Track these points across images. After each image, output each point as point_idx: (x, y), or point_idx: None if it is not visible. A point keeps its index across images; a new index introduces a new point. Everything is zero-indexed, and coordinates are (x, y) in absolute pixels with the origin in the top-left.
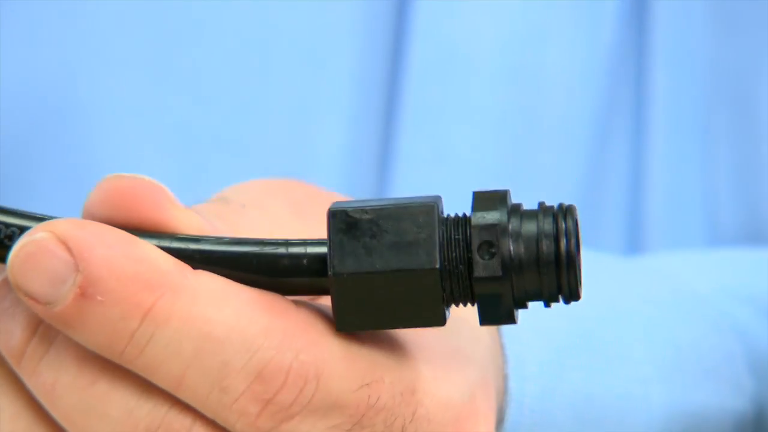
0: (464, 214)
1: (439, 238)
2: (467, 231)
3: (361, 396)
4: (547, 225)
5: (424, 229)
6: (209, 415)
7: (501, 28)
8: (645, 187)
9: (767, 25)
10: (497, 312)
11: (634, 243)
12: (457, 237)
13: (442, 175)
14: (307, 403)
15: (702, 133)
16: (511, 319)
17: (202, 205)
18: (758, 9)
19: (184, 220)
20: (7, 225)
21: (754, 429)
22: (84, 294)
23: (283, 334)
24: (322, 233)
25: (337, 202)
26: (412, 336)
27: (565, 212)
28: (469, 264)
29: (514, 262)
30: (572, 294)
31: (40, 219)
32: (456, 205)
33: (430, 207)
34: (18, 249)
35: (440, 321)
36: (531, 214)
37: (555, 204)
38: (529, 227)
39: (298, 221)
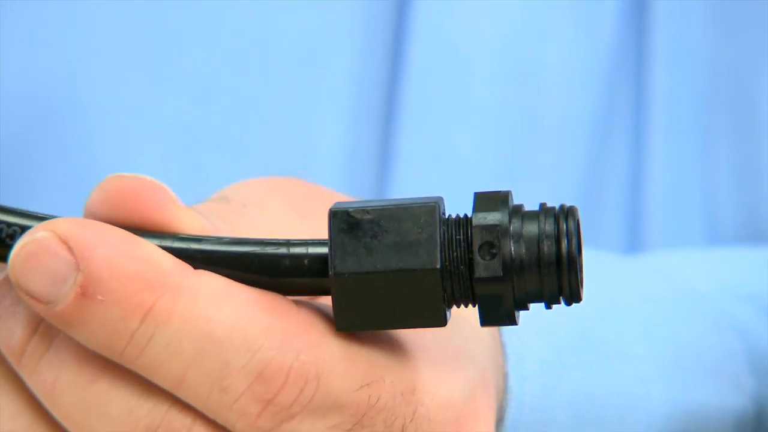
0: (465, 215)
1: (440, 238)
2: (468, 231)
3: (361, 396)
4: (549, 226)
5: (425, 229)
6: (209, 414)
7: (501, 27)
8: (645, 186)
9: (767, 25)
10: (498, 313)
11: (633, 242)
12: (458, 237)
13: (442, 175)
14: (307, 403)
15: (702, 133)
16: (511, 320)
17: (203, 204)
18: (758, 9)
19: (186, 221)
20: (9, 224)
21: (754, 427)
22: (85, 293)
23: (283, 335)
24: (323, 232)
25: (338, 203)
26: (412, 336)
27: (567, 213)
28: (470, 264)
29: (515, 263)
30: (573, 295)
31: (41, 218)
32: (456, 204)
33: (431, 207)
34: (19, 248)
35: (441, 321)
36: (532, 215)
37: (556, 205)
38: (531, 228)
39: (299, 220)
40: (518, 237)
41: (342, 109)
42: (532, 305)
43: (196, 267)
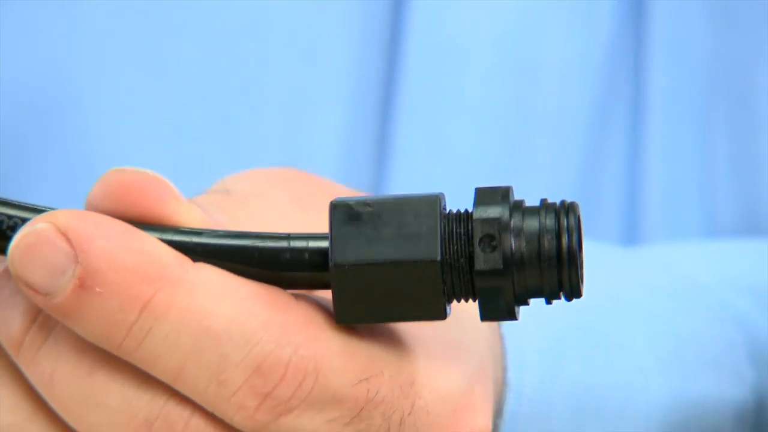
0: (466, 210)
1: (440, 231)
2: (469, 225)
3: (360, 390)
4: (549, 221)
5: (426, 221)
6: (207, 407)
7: (498, 21)
8: (642, 181)
9: (765, 19)
10: (498, 307)
11: (631, 236)
12: (458, 231)
13: (439, 169)
14: (305, 397)
15: (699, 127)
16: (512, 315)
17: (203, 196)
18: (755, 3)
19: (187, 215)
20: (10, 216)
21: (754, 419)
22: (83, 285)
23: (282, 328)
24: (323, 224)
25: (339, 197)
26: (410, 328)
27: (568, 209)
28: (471, 258)
29: (515, 257)
30: (573, 291)
31: (42, 211)
32: (453, 198)
33: (432, 200)
34: (18, 239)
35: (441, 314)
36: (533, 211)
37: (557, 201)
38: (531, 223)
39: (300, 212)
40: (519, 232)
41: (339, 104)
42: (531, 300)
43: (195, 260)
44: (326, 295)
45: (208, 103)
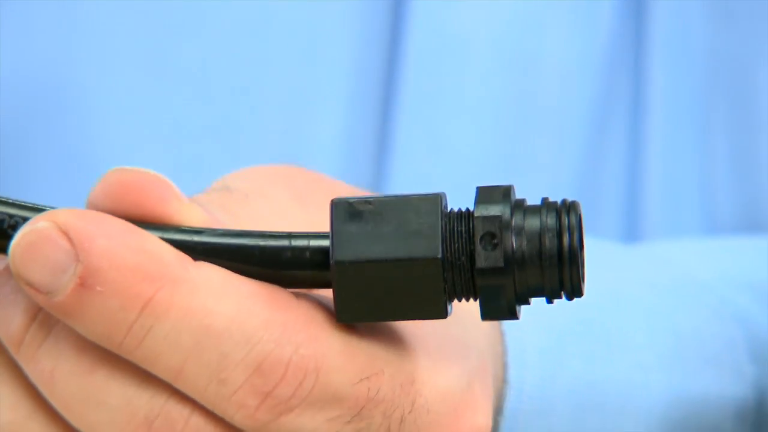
0: (468, 209)
1: (442, 229)
2: (470, 224)
3: (360, 389)
4: (551, 220)
5: (427, 219)
6: (208, 406)
7: (498, 18)
8: (642, 177)
9: (765, 18)
10: (499, 306)
11: (631, 233)
12: (459, 229)
13: (439, 166)
14: (306, 396)
15: (699, 124)
16: (512, 314)
17: (204, 194)
18: (755, 2)
19: (188, 214)
20: (11, 215)
21: (755, 416)
22: (84, 284)
23: (283, 328)
24: (324, 221)
25: (340, 197)
26: (410, 326)
27: (569, 208)
28: (472, 256)
29: (516, 256)
30: (575, 290)
31: (43, 210)
32: (453, 194)
33: (433, 198)
34: (19, 238)
35: (442, 313)
36: (534, 210)
37: (558, 199)
38: (532, 222)
39: (301, 209)
40: (520, 230)
41: (339, 103)
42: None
43: (196, 259)
44: (327, 294)
45: (209, 101)
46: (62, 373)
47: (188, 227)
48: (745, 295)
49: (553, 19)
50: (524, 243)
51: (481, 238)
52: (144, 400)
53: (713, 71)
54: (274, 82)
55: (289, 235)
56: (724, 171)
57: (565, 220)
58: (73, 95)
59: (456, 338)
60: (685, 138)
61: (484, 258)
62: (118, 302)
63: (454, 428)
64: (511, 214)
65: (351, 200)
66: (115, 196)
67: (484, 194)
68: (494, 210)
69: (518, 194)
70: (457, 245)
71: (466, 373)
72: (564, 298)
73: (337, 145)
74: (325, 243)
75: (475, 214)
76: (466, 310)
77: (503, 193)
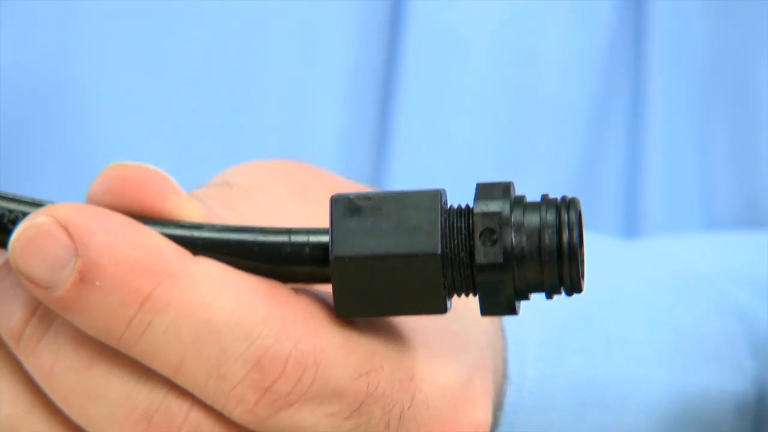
0: (467, 205)
1: (441, 225)
2: (470, 220)
3: (360, 384)
4: (550, 216)
5: (426, 215)
6: (207, 401)
7: (497, 15)
8: (642, 172)
9: (764, 14)
10: (498, 302)
11: (630, 228)
12: (459, 225)
13: (438, 162)
14: (305, 391)
15: (699, 119)
16: (512, 310)
17: (203, 189)
18: None
19: (188, 209)
20: (11, 210)
21: (755, 411)
22: (83, 279)
23: (282, 323)
24: (324, 216)
25: (339, 192)
26: (409, 321)
27: (568, 204)
28: (471, 252)
29: (515, 252)
30: (574, 286)
31: (43, 205)
32: (452, 189)
33: (433, 194)
34: (19, 233)
35: (441, 309)
36: (534, 206)
37: (557, 194)
38: (532, 218)
39: (300, 204)
40: (519, 226)
41: (338, 97)
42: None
43: (196, 254)
44: (326, 289)
45: (209, 96)
46: (62, 368)
47: (188, 222)
48: (745, 290)
49: (552, 15)
50: (524, 239)
51: (481, 234)
52: (143, 395)
53: (713, 67)
54: (274, 77)
55: (289, 231)
56: (724, 167)
57: (564, 217)
58: (73, 91)
59: (455, 334)
60: (684, 134)
61: (483, 254)
62: (117, 297)
63: (454, 423)
64: (511, 211)
65: (351, 196)
66: (115, 192)
67: (484, 191)
68: (494, 206)
69: (517, 190)
70: (456, 241)
71: (465, 369)
72: (563, 294)
73: (336, 140)
74: (325, 239)
75: (475, 211)
76: (465, 306)
77: (503, 189)
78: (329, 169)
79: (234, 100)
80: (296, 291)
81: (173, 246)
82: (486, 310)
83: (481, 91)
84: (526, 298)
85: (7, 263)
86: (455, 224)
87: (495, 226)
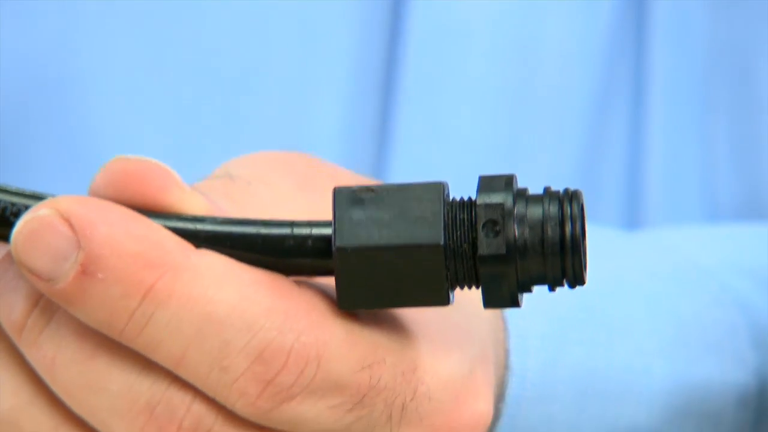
0: (470, 197)
1: (444, 216)
2: (472, 211)
3: (362, 377)
4: (553, 209)
5: (429, 206)
6: (209, 393)
7: (499, 7)
8: (644, 162)
9: (765, 3)
10: (500, 293)
11: (632, 219)
12: (462, 217)
13: (440, 153)
14: (307, 384)
15: (701, 108)
16: (514, 303)
17: (206, 182)
18: None
19: (190, 202)
20: (13, 203)
21: (756, 402)
22: (85, 271)
23: (284, 315)
24: (326, 208)
25: (342, 185)
26: (412, 313)
27: (571, 197)
28: (474, 244)
29: (518, 243)
30: (577, 279)
31: (45, 198)
32: (454, 182)
33: (436, 186)
34: (21, 225)
35: (444, 300)
36: (536, 199)
37: (559, 186)
38: (535, 211)
39: (303, 196)
40: (522, 219)
41: (339, 88)
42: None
43: (198, 246)
44: (329, 281)
45: (210, 91)
46: (63, 360)
47: (190, 215)
48: (746, 281)
49: (553, 9)
50: (526, 231)
51: (483, 226)
52: (145, 387)
53: (714, 58)
54: (275, 70)
55: (291, 223)
56: (725, 158)
57: (567, 209)
58: (75, 85)
59: (458, 326)
60: (685, 126)
61: (486, 245)
62: (119, 289)
63: (456, 415)
64: (514, 203)
65: (353, 188)
66: (117, 185)
67: (487, 182)
68: (496, 198)
69: (520, 181)
70: (459, 233)
71: (467, 361)
72: (566, 286)
73: (338, 133)
74: (328, 231)
75: (478, 202)
76: (467, 298)
77: (506, 181)
78: (331, 161)
79: (235, 93)
80: (299, 284)
81: (175, 238)
82: (489, 302)
83: (483, 84)
84: (529, 290)
85: (9, 255)
86: (458, 216)
87: (498, 218)
